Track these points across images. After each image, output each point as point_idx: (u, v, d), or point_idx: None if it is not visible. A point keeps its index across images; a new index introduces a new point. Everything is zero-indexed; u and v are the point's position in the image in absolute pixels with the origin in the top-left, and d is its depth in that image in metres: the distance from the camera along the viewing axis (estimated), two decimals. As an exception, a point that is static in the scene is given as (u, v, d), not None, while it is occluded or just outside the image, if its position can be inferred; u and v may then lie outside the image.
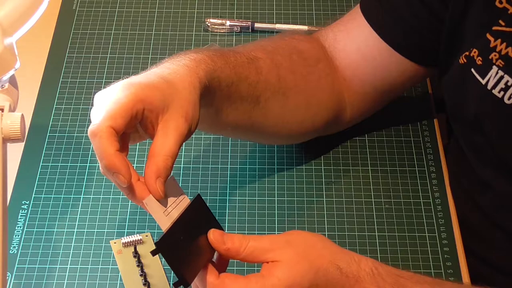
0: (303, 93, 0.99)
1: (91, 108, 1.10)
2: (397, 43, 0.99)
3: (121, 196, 1.01)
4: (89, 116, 1.09)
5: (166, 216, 0.78)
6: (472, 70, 0.92)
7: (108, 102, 0.78)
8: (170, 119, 0.80)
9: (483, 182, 0.98)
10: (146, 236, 0.96)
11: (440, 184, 1.03)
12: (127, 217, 0.99)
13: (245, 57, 0.95)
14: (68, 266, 0.94)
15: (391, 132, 1.09)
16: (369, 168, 1.05)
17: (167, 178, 0.78)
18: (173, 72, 0.84)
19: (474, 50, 0.92)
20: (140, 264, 0.93)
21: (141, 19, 1.25)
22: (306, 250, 0.79)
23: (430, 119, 1.11)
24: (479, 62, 0.91)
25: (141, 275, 0.92)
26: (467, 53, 0.93)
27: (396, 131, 1.10)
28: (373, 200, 1.01)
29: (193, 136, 1.07)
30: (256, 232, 0.97)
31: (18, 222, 0.98)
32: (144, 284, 0.92)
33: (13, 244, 0.96)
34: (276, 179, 1.03)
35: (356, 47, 1.01)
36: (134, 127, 0.80)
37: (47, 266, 0.94)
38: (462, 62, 0.93)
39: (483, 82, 0.91)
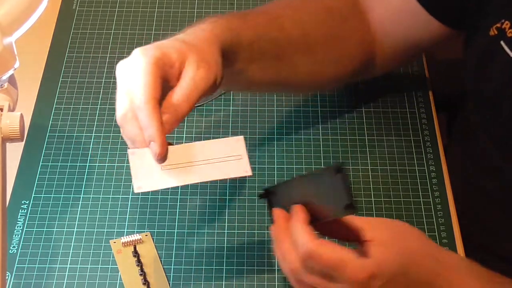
0: (332, 48, 1.00)
1: (90, 108, 1.11)
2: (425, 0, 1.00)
3: (121, 196, 1.01)
4: (89, 116, 1.10)
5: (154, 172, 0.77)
6: (502, 42, 0.91)
7: (135, 73, 0.80)
8: (189, 69, 0.81)
9: (493, 166, 0.98)
10: (146, 235, 0.96)
11: (440, 184, 1.03)
12: (127, 216, 0.99)
13: (266, 15, 0.96)
14: (68, 265, 0.94)
15: (391, 132, 1.09)
16: (369, 167, 1.05)
17: (180, 117, 0.79)
18: (187, 34, 0.87)
19: (506, 22, 0.91)
20: (139, 263, 0.93)
21: (141, 19, 1.25)
22: (401, 234, 0.79)
23: (430, 119, 1.11)
24: (510, 35, 0.90)
25: (140, 274, 0.92)
26: (498, 24, 0.92)
27: (396, 131, 1.09)
28: (373, 199, 1.01)
29: (193, 136, 1.08)
30: (256, 232, 0.97)
31: (18, 222, 0.98)
32: (144, 284, 0.92)
33: (13, 243, 0.96)
34: (276, 179, 1.03)
35: (387, 2, 1.03)
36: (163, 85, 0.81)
37: (47, 265, 0.94)
38: (493, 33, 0.92)
39: (511, 55, 0.90)
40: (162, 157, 0.78)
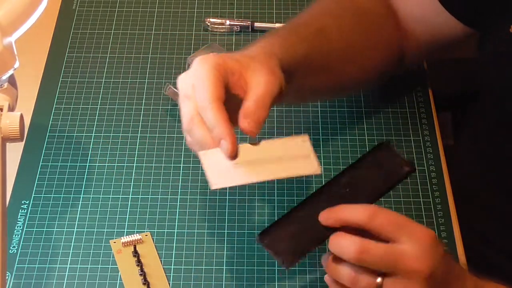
0: (373, 54, 1.04)
1: (90, 108, 1.11)
2: None
3: (121, 196, 1.01)
4: (89, 116, 1.10)
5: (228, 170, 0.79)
6: None
7: (197, 79, 0.81)
8: (256, 73, 0.83)
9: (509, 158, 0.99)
10: (146, 235, 0.96)
11: (440, 184, 1.03)
12: (127, 216, 0.99)
13: (313, 28, 0.98)
14: (68, 265, 0.94)
15: (391, 132, 1.09)
16: (369, 167, 1.05)
17: (259, 122, 0.80)
18: (246, 50, 0.89)
19: None
20: (139, 263, 0.93)
21: (141, 19, 1.25)
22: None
23: (430, 119, 1.11)
24: None
25: (140, 274, 0.92)
26: None
27: (396, 131, 1.09)
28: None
29: (193, 135, 1.08)
30: (256, 232, 0.97)
31: (18, 222, 0.98)
32: (144, 284, 0.92)
33: (13, 243, 0.96)
34: (276, 179, 1.03)
35: (411, 1, 1.06)
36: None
37: (47, 265, 0.94)
38: None
39: None
40: (233, 154, 0.79)
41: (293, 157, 0.82)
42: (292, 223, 0.80)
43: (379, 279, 0.76)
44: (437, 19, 1.04)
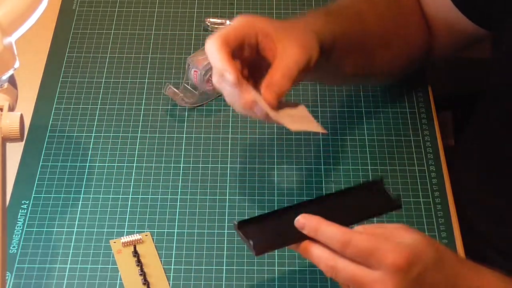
0: (405, 41, 1.07)
1: (90, 108, 1.11)
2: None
3: (121, 196, 1.01)
4: (89, 116, 1.10)
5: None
6: None
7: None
8: (286, 45, 0.87)
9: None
10: (146, 235, 0.96)
11: (440, 184, 1.03)
12: (127, 216, 0.99)
13: (352, 10, 1.02)
14: (68, 265, 0.94)
15: (391, 132, 1.09)
16: (369, 168, 1.05)
17: (281, 93, 0.85)
18: (287, 21, 0.94)
19: None
20: (139, 263, 0.93)
21: (141, 19, 1.25)
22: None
23: (430, 119, 1.11)
24: None
25: (140, 274, 0.92)
26: None
27: (396, 131, 1.09)
28: (373, 199, 1.01)
29: (193, 135, 1.08)
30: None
31: (18, 222, 0.98)
32: (144, 284, 0.92)
33: (13, 243, 0.96)
34: (276, 179, 1.03)
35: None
36: (251, 51, 0.88)
37: (47, 265, 0.94)
38: None
39: None
40: (237, 82, 0.84)
41: (302, 117, 0.90)
42: (270, 220, 0.82)
43: None
44: (449, 16, 1.05)
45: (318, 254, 0.77)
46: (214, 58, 0.85)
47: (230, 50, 0.85)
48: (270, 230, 0.81)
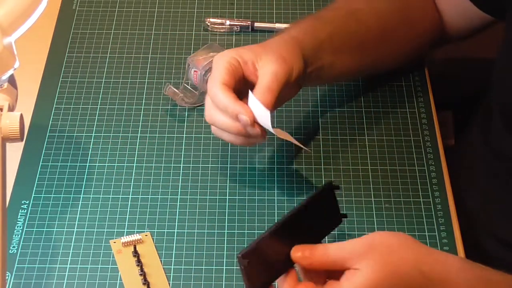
0: (407, 33, 1.09)
1: (90, 108, 1.11)
2: None
3: (121, 196, 1.01)
4: (89, 116, 1.10)
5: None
6: None
7: (211, 74, 0.94)
8: (265, 62, 0.94)
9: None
10: (146, 235, 0.96)
11: (440, 184, 1.03)
12: (127, 216, 0.99)
13: (343, 10, 1.06)
14: (68, 265, 0.94)
15: (391, 132, 1.09)
16: (369, 167, 1.05)
17: (266, 104, 0.90)
18: (268, 41, 0.99)
19: None
20: (139, 263, 0.93)
21: (141, 19, 1.25)
22: (387, 256, 0.78)
23: (430, 119, 1.11)
24: None
25: (140, 274, 0.92)
26: None
27: (396, 131, 1.09)
28: (373, 199, 1.01)
29: (193, 135, 1.08)
30: (256, 232, 0.97)
31: (18, 222, 0.98)
32: (144, 284, 0.92)
33: (13, 243, 0.96)
34: (276, 179, 1.03)
35: None
36: (240, 81, 0.94)
37: (47, 265, 0.94)
38: None
39: None
40: (253, 121, 0.91)
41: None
42: (264, 249, 0.81)
43: None
44: (457, 5, 1.08)
45: None
46: (224, 102, 0.91)
47: (231, 90, 0.92)
48: (264, 264, 0.81)
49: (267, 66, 0.93)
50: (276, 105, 0.93)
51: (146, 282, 0.92)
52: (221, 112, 0.92)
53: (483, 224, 1.08)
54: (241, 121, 0.90)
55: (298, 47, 0.97)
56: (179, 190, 1.02)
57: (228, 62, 0.93)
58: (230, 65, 0.93)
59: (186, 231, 0.98)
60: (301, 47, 0.97)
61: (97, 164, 1.04)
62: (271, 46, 0.96)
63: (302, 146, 0.97)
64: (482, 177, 1.10)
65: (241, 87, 0.94)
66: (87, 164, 1.04)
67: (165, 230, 0.97)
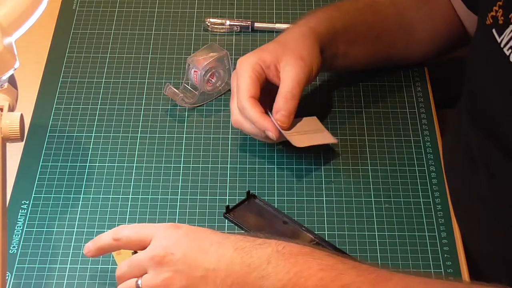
0: (425, 27, 1.12)
1: (91, 108, 1.11)
2: None
3: (121, 196, 1.01)
4: (89, 116, 1.10)
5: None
6: (493, 30, 0.93)
7: (238, 82, 1.00)
8: (286, 65, 0.99)
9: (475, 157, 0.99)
10: (146, 235, 0.96)
11: (440, 184, 1.03)
12: (127, 217, 0.99)
13: (362, 3, 1.10)
14: (68, 266, 0.94)
15: (391, 132, 1.09)
16: (369, 167, 1.05)
17: (290, 113, 0.98)
18: (286, 33, 1.05)
19: (500, 10, 0.92)
20: (139, 263, 0.93)
21: (141, 19, 1.25)
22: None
23: (430, 119, 1.11)
24: (501, 22, 0.92)
25: (140, 274, 0.92)
26: (493, 13, 0.93)
27: (396, 131, 1.09)
28: (373, 199, 1.01)
29: (193, 135, 1.08)
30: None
31: (18, 222, 0.98)
32: (144, 284, 0.91)
33: (13, 243, 0.96)
34: (276, 179, 1.03)
35: None
36: (264, 85, 1.00)
37: (47, 265, 0.94)
38: (489, 22, 0.94)
39: (499, 40, 0.91)
40: (278, 137, 0.98)
41: (314, 131, 1.03)
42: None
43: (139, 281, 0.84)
44: (451, 7, 1.10)
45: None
46: (252, 117, 0.98)
47: (258, 101, 0.98)
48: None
49: (288, 70, 0.99)
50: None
51: (146, 282, 0.91)
52: (249, 121, 0.99)
53: (483, 225, 1.07)
54: (268, 135, 0.98)
55: (316, 39, 1.01)
56: (179, 190, 1.02)
57: (252, 70, 0.99)
58: (254, 73, 0.99)
59: (186, 231, 0.97)
60: (318, 39, 1.02)
61: (97, 164, 1.04)
62: (290, 44, 1.01)
63: (327, 141, 1.03)
64: (471, 175, 1.09)
65: (265, 87, 1.00)
66: (87, 164, 1.04)
67: (165, 230, 0.97)
